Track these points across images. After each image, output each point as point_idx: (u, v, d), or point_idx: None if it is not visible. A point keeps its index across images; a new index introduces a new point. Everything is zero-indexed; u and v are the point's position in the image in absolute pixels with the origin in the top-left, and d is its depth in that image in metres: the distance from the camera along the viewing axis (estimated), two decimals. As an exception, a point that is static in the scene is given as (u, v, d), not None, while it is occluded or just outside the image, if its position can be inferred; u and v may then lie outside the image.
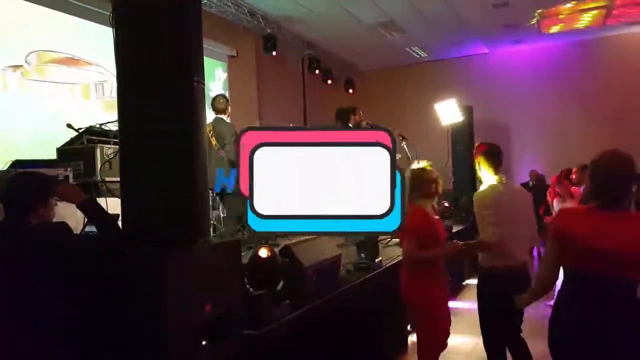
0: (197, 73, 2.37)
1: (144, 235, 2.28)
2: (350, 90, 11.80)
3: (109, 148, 4.04)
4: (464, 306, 5.70)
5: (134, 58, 2.31)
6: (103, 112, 6.17)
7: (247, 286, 2.89)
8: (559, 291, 2.26)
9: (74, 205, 2.23)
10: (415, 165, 3.30)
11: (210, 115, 5.19)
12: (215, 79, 8.51)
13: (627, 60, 10.16)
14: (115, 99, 2.39)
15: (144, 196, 2.31)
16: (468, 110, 9.53)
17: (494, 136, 10.63)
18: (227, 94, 8.16)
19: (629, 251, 2.01)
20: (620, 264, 2.03)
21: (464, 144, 8.39)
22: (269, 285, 2.96)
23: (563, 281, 2.24)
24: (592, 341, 2.07)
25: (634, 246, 2.01)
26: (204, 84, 2.42)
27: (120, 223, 2.37)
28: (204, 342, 2.27)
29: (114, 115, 2.69)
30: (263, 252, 2.99)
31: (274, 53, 8.71)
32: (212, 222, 4.83)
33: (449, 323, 3.31)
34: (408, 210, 3.11)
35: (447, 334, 3.30)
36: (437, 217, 3.43)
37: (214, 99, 5.40)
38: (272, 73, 9.60)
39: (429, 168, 3.27)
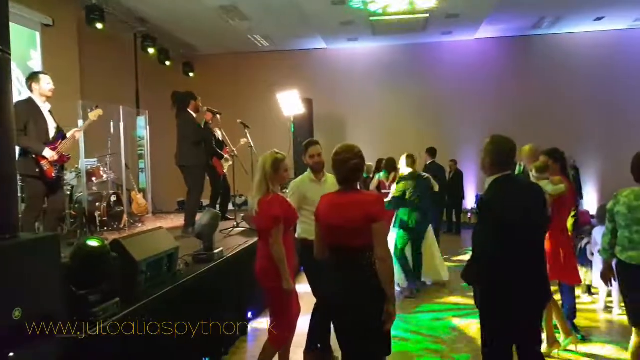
0: (1, 41, 1.99)
1: None
2: (191, 74, 11.33)
3: None
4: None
5: None
6: None
7: (70, 285, 2.57)
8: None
9: None
10: (270, 152, 3.33)
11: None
12: (37, 47, 7.38)
13: (449, 62, 11.56)
14: None
15: None
16: (308, 103, 9.87)
17: (332, 129, 11.29)
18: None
19: (347, 224, 2.52)
20: (344, 234, 2.53)
21: (305, 136, 8.66)
22: (96, 283, 2.67)
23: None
24: (339, 299, 2.56)
25: (349, 220, 2.52)
26: (9, 54, 2.04)
27: None
28: (11, 354, 1.95)
29: None
30: (92, 242, 2.68)
31: (100, 26, 7.83)
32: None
33: (298, 309, 3.45)
34: (270, 199, 3.14)
35: (299, 315, 3.44)
36: None
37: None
38: (98, 48, 8.63)
39: (281, 155, 3.34)
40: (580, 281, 4.41)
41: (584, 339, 4.36)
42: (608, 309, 5.15)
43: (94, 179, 6.51)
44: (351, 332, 2.59)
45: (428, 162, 8.63)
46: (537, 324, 2.81)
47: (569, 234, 4.16)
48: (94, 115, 4.97)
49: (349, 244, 2.54)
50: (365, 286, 2.53)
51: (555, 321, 4.06)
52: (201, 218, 4.37)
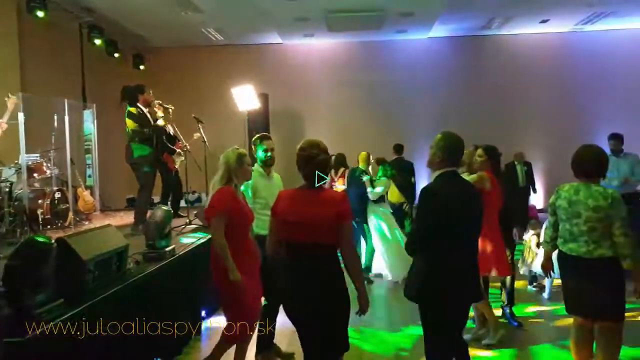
0: None
1: None
2: (141, 67, 10.94)
3: None
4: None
5: None
6: None
7: (13, 284, 2.42)
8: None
9: None
10: (232, 149, 3.32)
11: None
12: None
13: (404, 60, 11.66)
14: None
15: None
16: (264, 98, 9.75)
17: (288, 125, 11.21)
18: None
19: (312, 221, 2.50)
20: (305, 231, 2.51)
21: (260, 131, 8.52)
22: (40, 283, 2.53)
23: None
24: (299, 296, 2.56)
25: (315, 217, 2.50)
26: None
27: None
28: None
29: None
30: (37, 239, 2.54)
31: (41, 14, 7.38)
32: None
33: (257, 307, 3.34)
34: (220, 190, 3.11)
35: (255, 317, 3.33)
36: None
37: None
38: (39, 38, 8.13)
39: (244, 152, 3.34)
40: (510, 272, 4.58)
41: (520, 326, 4.60)
42: (554, 298, 5.39)
43: (35, 174, 6.17)
44: (312, 328, 2.57)
45: (393, 159, 8.62)
46: (465, 318, 2.90)
47: (498, 228, 4.19)
48: (10, 103, 4.76)
49: (308, 241, 2.51)
50: (325, 283, 2.52)
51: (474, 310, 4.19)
52: (152, 215, 4.23)
